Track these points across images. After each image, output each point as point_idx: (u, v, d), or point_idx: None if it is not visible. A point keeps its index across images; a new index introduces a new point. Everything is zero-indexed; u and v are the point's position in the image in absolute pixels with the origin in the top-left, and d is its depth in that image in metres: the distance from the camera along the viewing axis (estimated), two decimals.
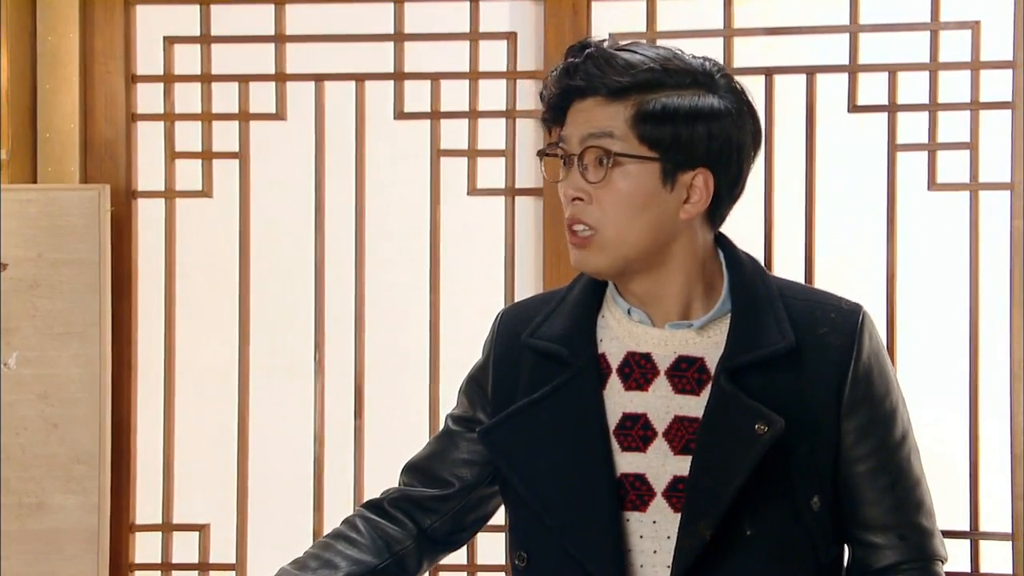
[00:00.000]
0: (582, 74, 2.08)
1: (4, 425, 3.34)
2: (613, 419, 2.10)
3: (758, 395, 2.06)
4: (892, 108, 3.38)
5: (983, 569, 3.32)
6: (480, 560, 3.47)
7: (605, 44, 2.10)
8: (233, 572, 3.54)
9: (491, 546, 3.38)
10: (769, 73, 3.43)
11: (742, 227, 3.46)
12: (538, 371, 2.16)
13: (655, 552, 2.07)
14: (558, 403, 2.12)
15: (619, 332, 2.14)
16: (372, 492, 3.48)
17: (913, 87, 3.38)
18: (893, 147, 3.38)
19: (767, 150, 3.42)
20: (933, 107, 3.36)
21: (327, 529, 3.50)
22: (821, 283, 3.39)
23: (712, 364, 2.10)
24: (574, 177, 2.08)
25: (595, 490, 2.08)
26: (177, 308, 3.55)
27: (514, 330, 2.22)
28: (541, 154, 2.17)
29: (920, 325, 3.44)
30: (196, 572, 3.56)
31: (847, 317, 2.15)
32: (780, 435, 2.03)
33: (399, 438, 3.23)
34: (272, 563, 3.56)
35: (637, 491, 2.08)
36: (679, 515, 2.05)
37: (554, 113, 2.14)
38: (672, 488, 2.07)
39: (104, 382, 3.36)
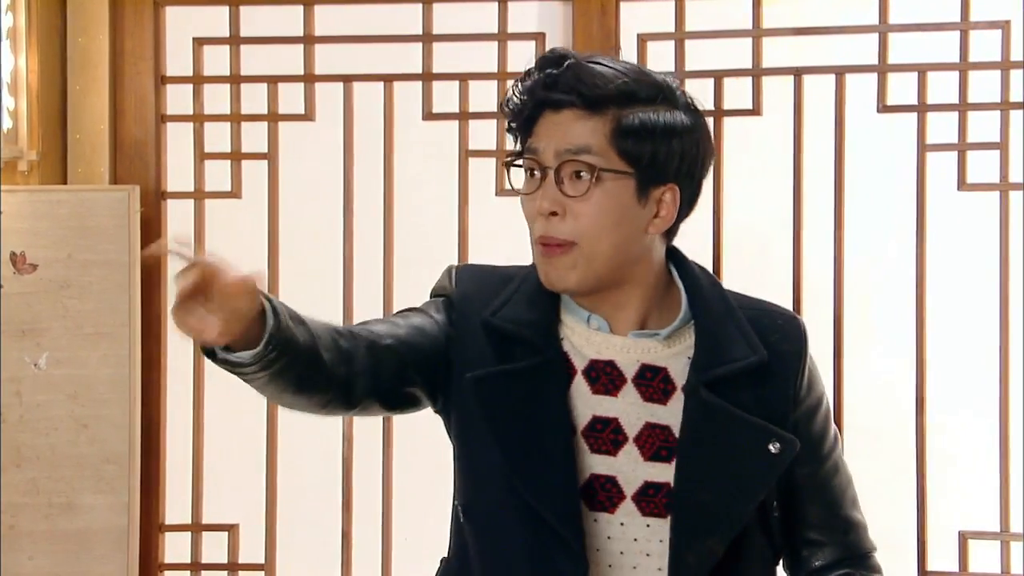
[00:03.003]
0: (562, 86, 2.07)
1: (34, 426, 3.35)
2: (582, 420, 2.09)
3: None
4: (922, 108, 3.37)
5: (1014, 570, 3.31)
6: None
7: (576, 57, 2.10)
8: (262, 572, 3.54)
9: None
10: (798, 73, 3.42)
11: (770, 228, 3.49)
12: (504, 346, 2.11)
13: (622, 553, 2.08)
14: (530, 382, 2.09)
15: (577, 340, 2.13)
16: (400, 491, 3.52)
17: (943, 87, 3.37)
18: (922, 147, 3.37)
19: (796, 150, 3.41)
20: (963, 107, 3.35)
21: (356, 530, 3.55)
22: (851, 285, 3.39)
23: (675, 375, 2.11)
24: (549, 190, 2.07)
25: (563, 466, 2.06)
26: None
27: (473, 291, 2.16)
28: (508, 164, 2.15)
29: (949, 325, 3.43)
30: (225, 572, 3.57)
31: (793, 324, 2.19)
32: (794, 455, 2.09)
33: (427, 438, 3.23)
34: (301, 563, 3.59)
35: (607, 492, 2.08)
36: (647, 519, 2.07)
37: (526, 124, 2.12)
38: (642, 493, 2.08)
39: (134, 382, 3.37)
